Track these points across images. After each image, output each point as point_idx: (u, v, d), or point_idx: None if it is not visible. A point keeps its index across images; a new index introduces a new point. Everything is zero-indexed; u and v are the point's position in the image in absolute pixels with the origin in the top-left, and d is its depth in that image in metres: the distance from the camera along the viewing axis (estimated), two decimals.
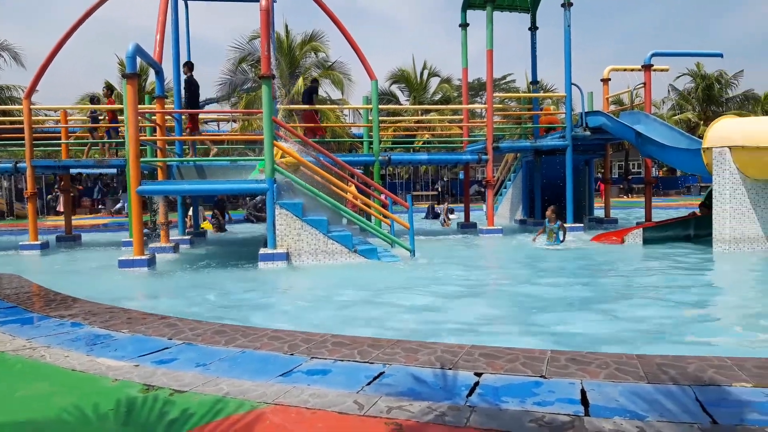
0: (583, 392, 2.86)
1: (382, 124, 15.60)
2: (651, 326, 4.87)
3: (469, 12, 15.60)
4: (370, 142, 12.93)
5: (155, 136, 11.37)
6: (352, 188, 10.69)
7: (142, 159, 9.32)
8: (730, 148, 9.14)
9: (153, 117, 11.27)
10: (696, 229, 11.07)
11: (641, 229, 10.97)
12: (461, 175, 25.62)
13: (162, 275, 8.38)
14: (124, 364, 3.54)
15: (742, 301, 6.08)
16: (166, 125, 11.57)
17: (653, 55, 14.25)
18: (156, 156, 11.37)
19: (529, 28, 16.49)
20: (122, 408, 2.83)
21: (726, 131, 9.43)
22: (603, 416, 2.55)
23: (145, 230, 10.95)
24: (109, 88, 16.71)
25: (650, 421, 2.49)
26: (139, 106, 9.76)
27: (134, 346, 3.98)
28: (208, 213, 16.66)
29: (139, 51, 8.92)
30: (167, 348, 3.90)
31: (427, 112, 28.33)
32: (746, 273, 7.89)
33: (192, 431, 2.54)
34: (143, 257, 8.73)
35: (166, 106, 12.08)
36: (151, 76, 25.81)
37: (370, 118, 13.32)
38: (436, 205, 22.46)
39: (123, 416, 2.74)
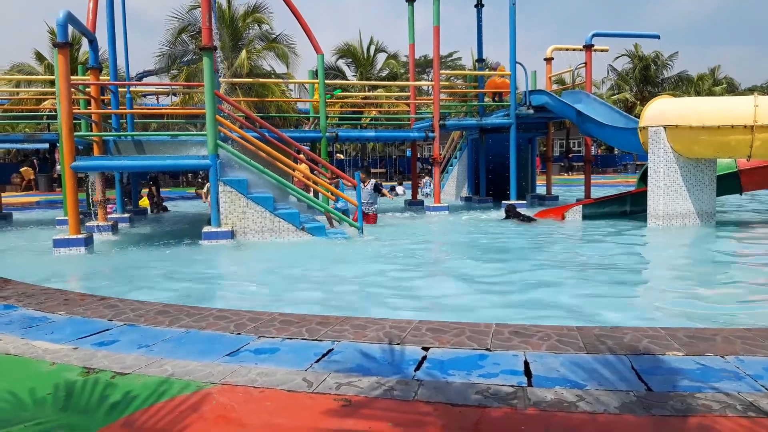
0: (526, 364, 2.95)
1: (329, 101, 15.40)
2: (589, 299, 5.07)
3: None
4: (317, 118, 12.76)
5: (90, 109, 10.84)
6: (303, 166, 10.55)
7: (76, 133, 8.89)
8: (664, 127, 9.52)
9: (87, 89, 10.73)
10: (632, 206, 11.53)
11: (581, 205, 11.34)
12: (408, 153, 25.71)
13: (100, 255, 8.09)
14: (62, 347, 3.41)
15: (674, 274, 6.40)
16: (101, 98, 11.04)
17: (594, 35, 14.59)
18: (91, 130, 10.86)
19: (476, 5, 16.56)
20: (61, 392, 2.73)
21: (661, 111, 9.81)
22: (545, 386, 2.65)
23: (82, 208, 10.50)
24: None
25: (589, 389, 2.60)
26: (72, 77, 9.27)
27: (72, 328, 3.83)
28: (145, 190, 16.03)
29: (70, 19, 8.43)
30: (107, 330, 3.77)
31: (374, 88, 28.19)
32: (678, 247, 8.30)
33: (135, 414, 2.47)
34: (80, 236, 8.38)
35: (101, 77, 11.52)
36: (85, 45, 24.55)
37: (316, 93, 13.13)
38: (383, 183, 22.61)
39: (62, 401, 2.64)
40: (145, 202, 15.52)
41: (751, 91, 39.97)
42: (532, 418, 2.33)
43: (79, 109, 10.94)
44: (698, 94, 37.72)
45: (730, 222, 10.49)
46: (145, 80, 26.54)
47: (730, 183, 10.97)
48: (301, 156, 10.85)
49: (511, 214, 11.21)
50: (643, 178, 10.94)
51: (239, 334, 3.61)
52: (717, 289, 5.50)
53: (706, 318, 4.36)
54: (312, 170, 10.75)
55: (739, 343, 3.22)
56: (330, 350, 3.24)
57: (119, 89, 12.40)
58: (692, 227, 9.47)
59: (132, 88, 14.17)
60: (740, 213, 12.34)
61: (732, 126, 8.80)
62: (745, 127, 8.70)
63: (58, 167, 21.82)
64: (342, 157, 35.13)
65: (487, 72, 16.67)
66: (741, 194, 11.69)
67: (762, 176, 11.02)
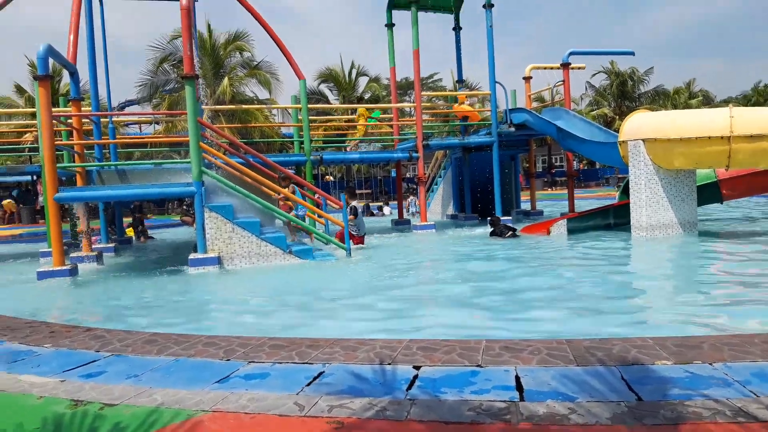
0: (517, 378, 2.96)
1: (313, 124, 15.49)
2: (579, 311, 5.10)
3: (394, 12, 15.72)
4: (301, 142, 12.82)
5: (72, 140, 10.79)
6: (286, 191, 10.53)
7: (58, 165, 8.84)
8: (643, 140, 9.69)
9: (69, 120, 10.70)
10: (615, 218, 11.66)
11: (565, 219, 11.45)
12: (394, 173, 25.83)
13: (85, 286, 7.99)
14: (49, 380, 3.35)
15: (660, 284, 6.47)
16: (83, 129, 11.01)
17: (571, 53, 14.89)
18: (73, 161, 10.80)
19: (453, 28, 16.83)
20: (49, 426, 2.68)
21: (639, 125, 9.99)
22: (537, 400, 2.66)
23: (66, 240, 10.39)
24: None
25: (580, 401, 2.61)
26: (54, 109, 9.25)
27: (59, 360, 3.77)
28: (127, 219, 15.87)
29: (51, 51, 8.46)
30: (95, 361, 3.72)
31: (356, 111, 28.36)
32: (662, 257, 8.39)
33: None
34: (64, 267, 8.29)
35: (82, 108, 11.50)
36: (65, 77, 24.52)
37: (299, 117, 13.20)
38: (370, 204, 22.70)
39: None
40: (130, 232, 15.38)
41: (726, 102, 40.80)
42: None
43: (62, 140, 10.90)
44: (675, 107, 38.49)
45: (713, 231, 10.64)
46: (127, 110, 26.49)
47: (710, 192, 11.15)
48: (291, 187, 10.84)
49: (496, 226, 11.27)
50: (625, 191, 11.09)
51: (229, 360, 3.58)
52: (702, 297, 5.57)
53: (693, 326, 4.41)
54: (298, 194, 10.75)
55: (726, 349, 3.26)
56: (321, 373, 3.22)
57: (101, 120, 12.38)
58: (675, 237, 9.59)
59: (114, 118, 14.15)
60: (722, 222, 12.51)
61: (709, 137, 8.97)
62: (722, 138, 8.88)
63: (40, 199, 21.59)
64: (331, 179, 35.22)
65: (467, 92, 16.89)
66: (721, 203, 11.87)
67: (741, 185, 11.22)
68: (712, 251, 8.54)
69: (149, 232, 15.94)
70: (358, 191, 33.00)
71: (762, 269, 6.90)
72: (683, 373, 2.92)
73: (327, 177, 34.02)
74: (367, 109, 16.95)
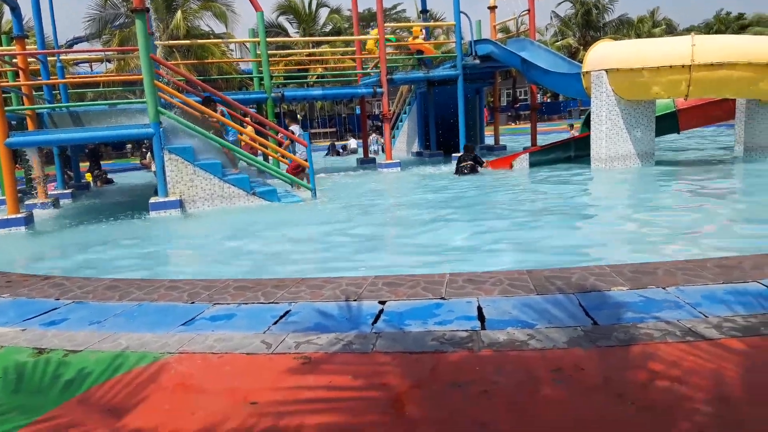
0: (479, 309, 3.04)
1: (273, 59, 14.99)
2: (539, 242, 5.22)
3: None
4: (261, 78, 12.44)
5: (19, 81, 10.24)
6: (249, 129, 10.30)
7: (6, 108, 8.40)
8: (606, 71, 9.69)
9: (14, 60, 10.11)
10: (576, 150, 11.80)
11: (527, 153, 11.54)
12: (358, 110, 25.46)
13: (42, 234, 7.79)
14: (9, 330, 3.30)
15: (617, 213, 6.64)
16: (30, 69, 10.43)
17: None
18: (22, 104, 10.29)
19: None
20: (11, 375, 2.66)
21: (603, 55, 9.97)
22: (498, 328, 2.74)
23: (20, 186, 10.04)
24: None
25: (539, 327, 2.70)
26: None
27: (18, 309, 3.71)
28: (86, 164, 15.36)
29: None
30: (56, 309, 3.66)
31: (318, 44, 27.53)
32: (620, 188, 8.59)
33: (91, 389, 2.43)
34: (19, 215, 8.02)
35: (27, 47, 10.85)
36: (7, 14, 23.02)
37: (258, 52, 12.75)
38: (336, 143, 22.42)
39: (12, 383, 2.57)
40: (90, 177, 14.93)
41: (688, 31, 40.93)
42: (486, 358, 2.41)
43: (8, 81, 10.33)
44: (639, 36, 38.40)
45: (669, 161, 10.88)
46: (75, 47, 25.15)
47: (668, 123, 11.34)
48: (248, 119, 10.57)
49: (469, 152, 11.12)
50: (587, 123, 11.18)
51: (193, 303, 3.57)
52: (658, 225, 5.74)
53: (649, 253, 4.56)
54: (261, 134, 10.52)
55: (680, 274, 3.39)
56: (287, 312, 3.25)
57: (49, 58, 11.73)
58: (634, 168, 9.78)
59: (62, 57, 13.42)
60: (678, 152, 12.80)
61: (671, 66, 9.03)
62: (683, 66, 8.94)
63: None
64: (300, 116, 34.59)
65: (432, 24, 16.48)
66: (678, 133, 12.10)
67: (698, 115, 11.43)
68: (669, 181, 8.77)
69: (109, 175, 15.51)
70: (322, 130, 32.56)
71: (714, 196, 7.14)
72: (638, 297, 3.04)
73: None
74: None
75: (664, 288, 3.16)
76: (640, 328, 2.61)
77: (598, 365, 2.28)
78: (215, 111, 9.57)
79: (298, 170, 9.69)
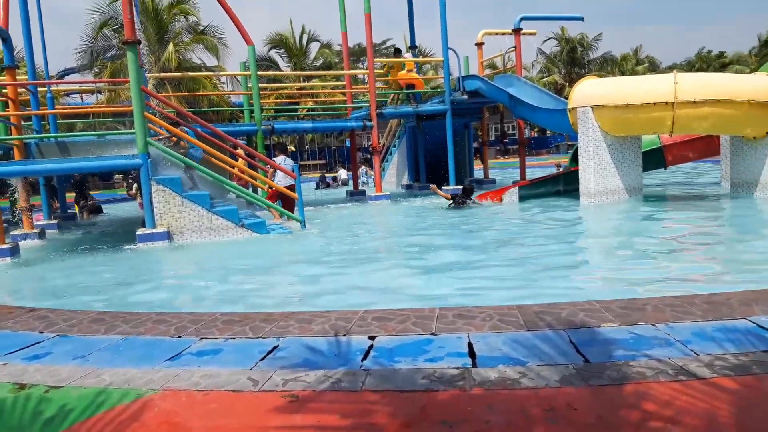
0: (470, 345, 3.01)
1: (263, 92, 15.12)
2: (529, 277, 5.22)
3: None
4: (252, 111, 12.51)
5: (8, 111, 10.21)
6: (240, 162, 10.28)
7: None
8: (592, 107, 9.86)
9: (3, 90, 10.11)
10: (565, 185, 11.92)
11: (517, 187, 11.62)
12: (348, 143, 25.63)
13: (27, 265, 7.67)
14: None
15: (606, 248, 6.67)
16: (19, 99, 10.43)
17: (522, 18, 14.89)
18: (10, 134, 10.24)
19: None
20: None
21: (588, 91, 10.16)
22: (489, 365, 2.70)
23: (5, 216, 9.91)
24: None
25: (531, 365, 2.68)
26: None
27: (0, 342, 3.62)
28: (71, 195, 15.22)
29: None
30: (39, 342, 3.58)
31: (309, 78, 27.87)
32: (608, 222, 8.65)
33: (72, 427, 2.36)
34: (4, 246, 7.92)
35: (18, 77, 10.87)
36: None
37: (249, 85, 12.86)
38: (326, 174, 22.49)
39: None
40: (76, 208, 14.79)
41: (671, 69, 41.95)
42: (477, 397, 2.38)
43: None
44: (622, 73, 39.30)
45: (657, 195, 11.01)
46: (66, 78, 25.25)
47: (655, 158, 11.51)
48: (239, 152, 10.59)
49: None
50: (575, 158, 11.32)
51: (180, 337, 3.51)
52: (647, 260, 5.77)
53: (638, 289, 4.57)
54: (250, 165, 10.53)
55: (669, 310, 3.39)
56: (275, 347, 3.20)
57: (39, 89, 11.75)
58: (622, 202, 9.87)
59: (53, 87, 13.45)
60: (665, 186, 12.96)
61: (654, 103, 9.21)
62: (666, 103, 9.12)
63: None
64: (294, 149, 34.81)
65: (420, 59, 16.76)
66: (665, 168, 12.28)
67: (684, 150, 11.61)
68: (656, 216, 8.86)
69: (98, 203, 15.37)
70: (312, 162, 32.69)
71: (701, 232, 7.21)
72: (628, 334, 3.03)
73: (290, 147, 33.80)
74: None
75: (653, 324, 3.15)
76: (631, 366, 2.59)
77: (591, 404, 2.25)
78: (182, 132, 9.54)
79: (275, 197, 9.75)
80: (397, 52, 16.36)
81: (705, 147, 11.42)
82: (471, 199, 11.13)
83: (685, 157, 11.98)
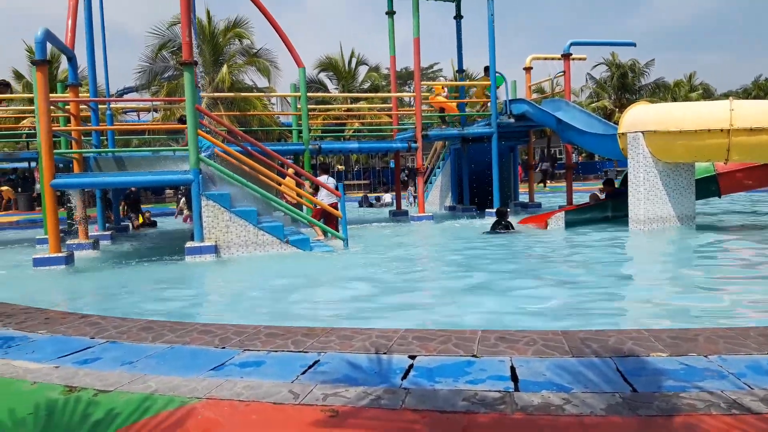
0: (512, 369, 2.96)
1: (312, 113, 15.42)
2: (575, 303, 5.10)
3: (395, 0, 15.63)
4: (300, 131, 12.76)
5: (69, 126, 10.74)
6: (288, 180, 10.44)
7: (55, 151, 8.79)
8: (643, 133, 9.65)
9: (66, 106, 10.64)
10: (613, 211, 11.65)
11: (563, 212, 11.42)
12: (392, 164, 25.81)
13: (81, 273, 7.97)
14: (43, 366, 3.35)
15: (656, 277, 6.47)
16: (81, 115, 10.95)
17: (572, 44, 14.78)
18: (71, 148, 10.75)
19: (455, 17, 16.71)
20: (42, 412, 2.68)
21: (639, 117, 9.95)
22: (532, 390, 2.65)
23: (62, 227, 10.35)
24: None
25: (575, 392, 2.61)
26: (51, 94, 9.19)
27: (54, 347, 3.77)
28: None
29: (49, 36, 8.38)
30: (90, 347, 3.71)
31: (356, 100, 28.26)
32: (659, 250, 8.39)
33: (118, 431, 2.43)
34: (60, 255, 8.27)
35: (80, 94, 11.43)
36: (64, 63, 24.33)
37: (298, 106, 13.14)
38: (369, 194, 22.67)
39: (43, 420, 2.59)
40: (141, 219, 15.35)
41: (726, 96, 40.74)
42: (519, 422, 2.33)
43: (59, 126, 10.84)
44: (675, 100, 38.35)
45: (710, 225, 10.63)
46: (125, 97, 26.37)
47: (708, 186, 11.14)
48: (290, 171, 10.77)
49: (503, 217, 10.93)
50: (624, 184, 11.06)
51: (224, 348, 3.57)
52: (698, 290, 5.57)
53: (688, 319, 4.41)
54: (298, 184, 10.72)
55: (722, 342, 3.25)
56: (316, 361, 3.22)
57: (99, 106, 12.31)
58: (673, 230, 9.57)
59: (112, 105, 14.07)
60: (719, 215, 12.51)
61: (708, 130, 8.94)
62: (722, 131, 8.85)
63: (38, 186, 21.53)
64: (342, 168, 35.39)
65: (467, 83, 16.80)
66: (720, 197, 11.86)
67: (739, 179, 11.21)
68: (709, 245, 8.54)
69: (152, 218, 15.89)
70: (356, 182, 32.99)
71: (756, 264, 6.91)
72: (678, 365, 2.92)
73: (338, 167, 34.65)
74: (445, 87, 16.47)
75: (705, 356, 3.03)
76: (682, 397, 2.49)
77: None
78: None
79: (319, 215, 9.84)
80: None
81: (762, 175, 11.00)
82: (510, 223, 10.85)
83: (741, 185, 11.56)
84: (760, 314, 4.52)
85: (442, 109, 15.67)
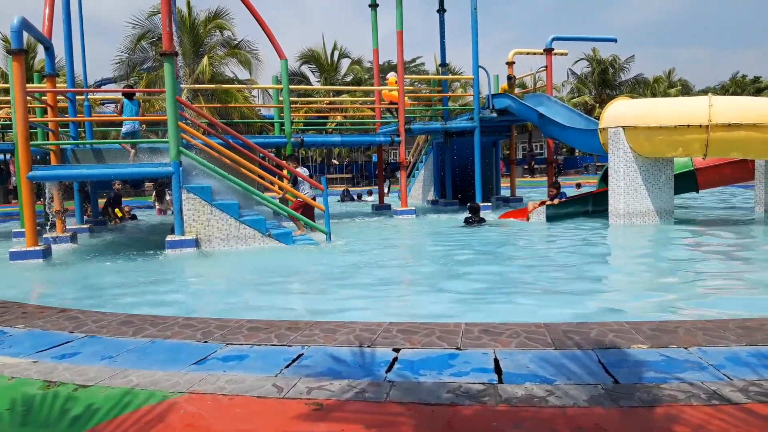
0: (496, 361, 2.97)
1: (294, 106, 15.32)
2: (556, 296, 5.14)
3: None
4: (282, 124, 12.67)
5: (46, 117, 10.53)
6: (284, 183, 10.30)
7: (32, 143, 8.61)
8: (623, 128, 9.75)
9: (43, 97, 10.43)
10: (594, 205, 11.76)
11: (544, 206, 11.51)
12: (375, 158, 25.76)
13: (59, 266, 7.84)
14: (21, 361, 3.29)
15: (636, 270, 6.54)
16: (58, 106, 10.74)
17: (554, 39, 14.87)
18: (48, 139, 10.55)
19: (438, 10, 16.70)
20: (19, 407, 2.63)
21: (620, 112, 10.05)
22: (515, 383, 2.67)
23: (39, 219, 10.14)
24: None
25: (558, 384, 2.63)
26: (28, 85, 9.00)
27: (32, 341, 3.70)
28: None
29: (25, 25, 8.19)
30: (69, 342, 3.65)
31: (338, 93, 28.15)
32: (638, 244, 8.49)
33: (98, 426, 2.39)
34: (37, 248, 8.12)
35: (57, 85, 11.21)
36: (41, 53, 23.87)
37: (280, 98, 13.04)
38: (350, 188, 22.60)
39: (20, 416, 2.54)
40: (119, 213, 15.10)
41: (704, 92, 41.32)
42: (503, 414, 2.34)
43: (36, 117, 10.62)
44: (654, 95, 38.83)
45: (688, 219, 10.79)
46: (103, 88, 25.95)
47: (687, 181, 11.30)
48: (284, 172, 10.53)
49: (475, 213, 11.03)
50: (604, 179, 11.18)
51: (206, 342, 3.54)
52: (678, 283, 5.65)
53: (668, 311, 4.47)
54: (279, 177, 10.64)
55: (701, 334, 3.31)
56: (300, 355, 3.20)
57: (77, 97, 12.09)
58: (652, 225, 9.70)
59: (90, 96, 13.83)
60: (697, 210, 12.71)
61: (688, 126, 9.06)
62: (701, 126, 8.97)
63: (13, 178, 21.10)
64: (336, 162, 35.30)
65: (450, 77, 16.80)
66: (697, 192, 12.04)
67: (716, 174, 11.39)
68: (687, 239, 8.67)
69: (132, 212, 15.67)
70: (338, 175, 32.93)
71: (734, 257, 7.03)
72: (659, 356, 2.96)
73: (333, 161, 34.64)
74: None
75: (685, 348, 3.08)
76: (663, 388, 2.53)
77: (620, 425, 2.20)
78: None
79: (300, 208, 9.76)
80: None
81: (739, 171, 11.19)
82: (482, 218, 10.96)
83: (718, 180, 11.75)
84: (737, 306, 4.60)
85: (392, 103, 15.47)
